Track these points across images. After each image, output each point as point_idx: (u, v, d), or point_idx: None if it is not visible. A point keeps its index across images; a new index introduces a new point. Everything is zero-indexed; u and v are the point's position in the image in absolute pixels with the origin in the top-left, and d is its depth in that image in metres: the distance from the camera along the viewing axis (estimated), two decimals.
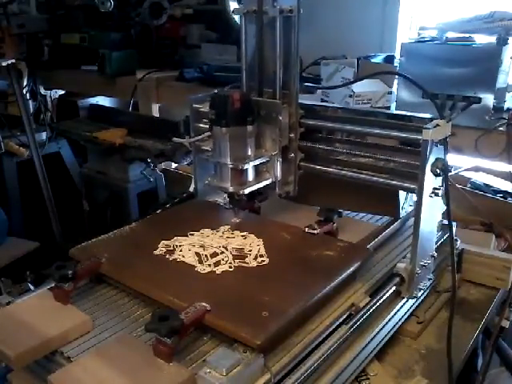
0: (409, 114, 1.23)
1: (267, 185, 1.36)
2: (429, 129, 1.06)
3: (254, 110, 1.29)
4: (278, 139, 1.31)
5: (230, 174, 1.29)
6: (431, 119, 1.13)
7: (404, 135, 1.20)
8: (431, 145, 1.07)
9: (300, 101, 1.34)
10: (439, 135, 1.09)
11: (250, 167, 1.30)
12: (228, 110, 1.24)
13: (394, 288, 1.17)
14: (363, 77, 1.90)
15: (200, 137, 1.36)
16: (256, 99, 1.32)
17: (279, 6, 1.24)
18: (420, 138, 1.08)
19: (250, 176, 1.33)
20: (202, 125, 1.46)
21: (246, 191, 1.31)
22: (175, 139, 1.48)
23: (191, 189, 1.55)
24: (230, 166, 1.28)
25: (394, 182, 1.25)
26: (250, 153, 1.31)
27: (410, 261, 1.17)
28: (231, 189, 1.31)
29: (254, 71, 1.35)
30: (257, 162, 1.31)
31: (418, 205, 1.12)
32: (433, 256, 1.24)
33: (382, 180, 1.27)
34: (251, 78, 1.37)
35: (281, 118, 1.29)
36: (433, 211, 1.19)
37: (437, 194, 1.14)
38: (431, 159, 1.09)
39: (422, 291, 1.25)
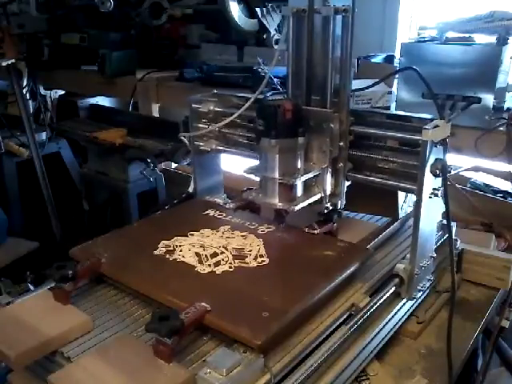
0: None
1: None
2: (428, 129, 1.06)
3: (304, 121, 1.20)
4: (328, 150, 1.22)
5: (279, 190, 1.21)
6: (431, 119, 1.13)
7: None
8: (431, 145, 1.07)
9: None
10: (439, 136, 1.09)
11: (299, 182, 1.21)
12: (278, 121, 1.15)
13: (393, 289, 1.16)
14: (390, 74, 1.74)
15: (200, 132, 1.34)
16: (306, 108, 1.22)
17: (333, 5, 1.14)
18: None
19: (299, 191, 1.23)
20: (201, 125, 1.47)
21: (296, 208, 1.21)
22: (181, 134, 1.47)
23: (190, 189, 1.55)
24: (279, 181, 1.20)
25: (403, 185, 1.22)
26: (299, 166, 1.22)
27: (409, 262, 1.16)
28: (280, 205, 1.22)
29: (300, 77, 1.25)
30: (308, 176, 1.22)
31: (418, 205, 1.12)
32: (432, 257, 1.24)
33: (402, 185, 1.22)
34: (298, 85, 1.26)
35: (332, 126, 1.20)
36: (432, 212, 1.19)
37: (436, 195, 1.14)
38: (431, 160, 1.09)
39: (422, 292, 1.24)
